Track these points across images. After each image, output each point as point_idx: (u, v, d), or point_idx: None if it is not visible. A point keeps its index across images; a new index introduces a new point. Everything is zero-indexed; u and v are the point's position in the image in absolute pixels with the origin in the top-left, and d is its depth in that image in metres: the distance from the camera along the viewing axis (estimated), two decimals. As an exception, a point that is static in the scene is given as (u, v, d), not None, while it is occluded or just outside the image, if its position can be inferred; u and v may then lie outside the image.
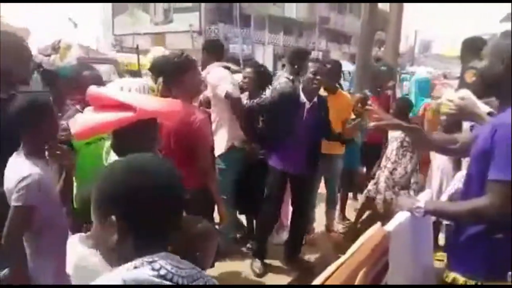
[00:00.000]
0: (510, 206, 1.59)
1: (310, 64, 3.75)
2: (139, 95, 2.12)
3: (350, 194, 5.73)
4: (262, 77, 4.28)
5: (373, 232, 1.66)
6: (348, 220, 5.25)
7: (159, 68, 3.00)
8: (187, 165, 2.72)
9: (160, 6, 31.73)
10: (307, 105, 3.69)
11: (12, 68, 2.46)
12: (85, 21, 40.29)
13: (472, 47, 4.08)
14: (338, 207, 5.14)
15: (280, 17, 35.20)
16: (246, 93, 4.28)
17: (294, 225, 4.01)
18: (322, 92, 4.48)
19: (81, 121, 1.98)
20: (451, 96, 2.97)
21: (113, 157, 2.80)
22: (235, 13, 30.04)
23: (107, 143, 2.84)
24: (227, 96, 3.89)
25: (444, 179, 4.18)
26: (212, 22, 30.64)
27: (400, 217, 1.77)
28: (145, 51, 23.03)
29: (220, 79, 3.94)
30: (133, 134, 1.92)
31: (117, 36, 32.43)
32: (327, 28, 40.11)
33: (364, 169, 5.72)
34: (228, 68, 4.20)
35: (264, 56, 32.73)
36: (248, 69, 4.38)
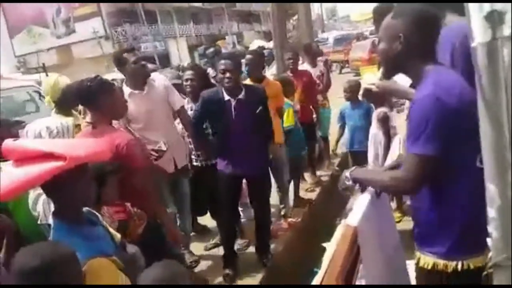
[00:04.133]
0: (422, 179, 1.61)
1: (220, 61, 3.51)
2: (64, 141, 1.93)
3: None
4: (204, 78, 4.14)
5: (343, 231, 1.63)
6: (303, 198, 5.27)
7: (74, 95, 2.77)
8: (126, 196, 2.55)
9: (59, 18, 30.07)
10: (233, 103, 3.50)
11: None
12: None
13: (384, 14, 4.18)
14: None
15: (186, 8, 34.64)
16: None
17: (259, 222, 3.92)
18: (249, 82, 4.43)
19: (1, 180, 1.76)
20: (371, 79, 3.05)
21: (39, 206, 2.60)
22: (139, 12, 29.15)
23: (31, 194, 2.62)
24: (182, 109, 3.76)
25: (379, 147, 4.29)
26: (117, 24, 29.52)
27: (360, 206, 1.76)
28: (54, 66, 21.92)
29: (172, 88, 3.75)
30: (67, 183, 1.74)
31: (20, 57, 30.46)
32: (235, 10, 40.08)
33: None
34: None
35: (179, 49, 32.21)
36: (189, 71, 4.18)
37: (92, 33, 28.54)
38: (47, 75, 12.24)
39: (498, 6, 1.10)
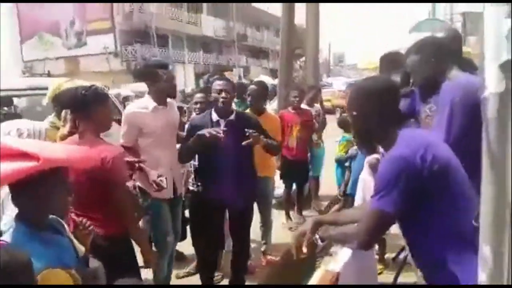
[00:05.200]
0: (374, 233, 1.69)
1: (217, 82, 3.55)
2: (41, 142, 1.84)
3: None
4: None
5: (322, 276, 1.54)
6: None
7: (66, 101, 2.69)
8: (104, 209, 2.49)
9: (72, 29, 30.43)
10: (222, 124, 3.43)
11: None
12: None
13: (390, 62, 4.19)
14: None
15: (198, 36, 35.14)
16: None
17: (237, 256, 3.79)
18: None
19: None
20: None
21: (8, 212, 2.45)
22: (151, 34, 29.52)
23: None
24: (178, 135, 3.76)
25: (367, 193, 4.19)
26: (128, 43, 29.83)
27: (344, 255, 1.67)
28: (60, 75, 22.02)
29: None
30: (37, 186, 1.64)
31: (27, 62, 30.60)
32: (246, 45, 40.68)
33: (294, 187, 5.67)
34: None
35: (185, 75, 32.49)
36: (199, 94, 4.29)
37: (102, 49, 28.80)
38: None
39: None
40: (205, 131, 3.22)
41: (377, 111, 1.75)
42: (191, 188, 3.83)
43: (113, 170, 2.48)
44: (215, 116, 3.44)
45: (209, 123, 3.42)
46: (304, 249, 1.88)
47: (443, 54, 2.47)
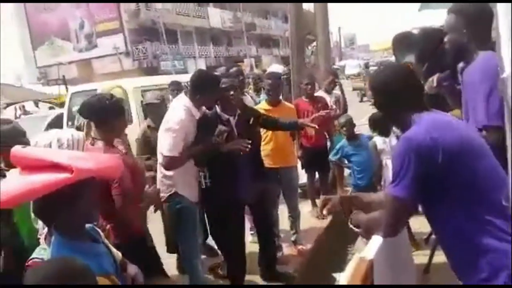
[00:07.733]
0: (400, 220, 1.69)
1: (223, 80, 3.50)
2: (73, 153, 1.88)
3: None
4: None
5: (356, 263, 1.57)
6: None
7: (90, 110, 2.72)
8: (114, 215, 2.50)
9: (82, 32, 30.68)
10: (233, 121, 3.45)
11: None
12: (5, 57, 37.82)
13: (404, 42, 4.15)
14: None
15: (206, 29, 35.13)
16: None
17: (264, 245, 3.83)
18: (265, 105, 4.42)
19: (6, 186, 1.70)
20: None
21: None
22: (160, 31, 29.61)
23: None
24: None
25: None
26: (138, 42, 29.99)
27: (376, 242, 1.68)
28: (73, 80, 22.26)
29: None
30: (72, 197, 1.69)
31: (41, 68, 31.02)
32: (255, 34, 40.52)
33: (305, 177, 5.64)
34: None
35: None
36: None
37: (113, 49, 28.98)
38: (66, 87, 12.29)
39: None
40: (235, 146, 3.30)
41: (397, 98, 1.75)
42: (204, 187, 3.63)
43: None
44: (224, 115, 3.44)
45: (219, 121, 3.41)
46: (324, 211, 2.06)
47: (481, 23, 2.25)
